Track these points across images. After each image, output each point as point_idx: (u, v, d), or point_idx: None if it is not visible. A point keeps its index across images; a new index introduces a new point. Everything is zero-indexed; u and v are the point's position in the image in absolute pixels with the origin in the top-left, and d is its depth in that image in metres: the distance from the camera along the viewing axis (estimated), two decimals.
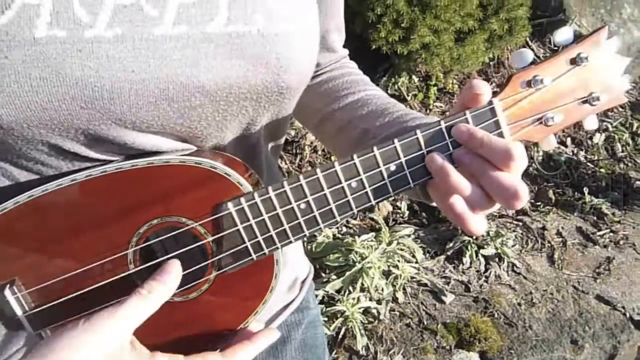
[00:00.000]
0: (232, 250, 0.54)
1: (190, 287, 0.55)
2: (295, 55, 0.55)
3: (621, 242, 1.98)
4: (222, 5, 0.50)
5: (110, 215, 0.51)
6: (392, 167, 0.52)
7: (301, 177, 0.51)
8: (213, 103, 0.53)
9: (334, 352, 1.25)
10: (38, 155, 0.52)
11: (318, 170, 0.51)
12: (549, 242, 1.88)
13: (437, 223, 1.91)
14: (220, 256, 0.54)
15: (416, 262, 1.59)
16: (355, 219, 1.86)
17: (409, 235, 1.72)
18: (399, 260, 1.47)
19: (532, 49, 2.95)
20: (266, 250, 0.54)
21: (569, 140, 2.59)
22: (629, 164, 2.59)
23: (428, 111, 2.44)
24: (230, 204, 0.51)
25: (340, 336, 1.30)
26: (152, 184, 0.52)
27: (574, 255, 1.86)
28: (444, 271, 1.62)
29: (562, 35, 0.50)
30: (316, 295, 1.32)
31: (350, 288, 1.36)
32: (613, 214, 2.15)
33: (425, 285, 1.53)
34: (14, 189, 0.53)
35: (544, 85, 0.50)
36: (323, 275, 1.40)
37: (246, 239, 0.53)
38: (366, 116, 0.68)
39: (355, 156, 0.52)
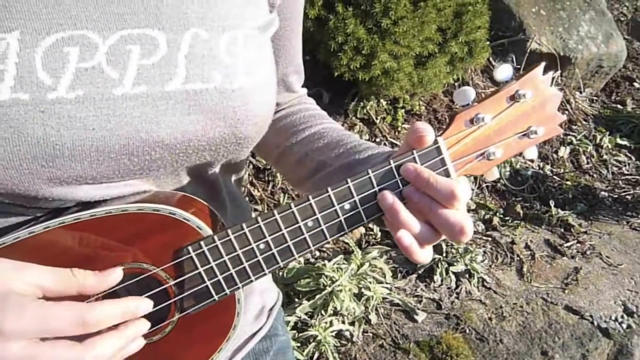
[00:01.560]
0: (193, 292, 0.55)
1: (154, 330, 0.57)
2: (253, 108, 0.57)
3: (588, 252, 2.03)
4: (180, 65, 0.52)
5: (78, 262, 0.53)
6: (346, 205, 0.55)
7: (259, 218, 0.54)
8: (172, 155, 0.55)
9: None
10: None
11: (275, 212, 0.54)
12: (517, 255, 1.92)
13: None
14: (182, 298, 0.55)
15: (387, 283, 1.61)
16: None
17: (380, 256, 1.75)
18: (370, 282, 1.50)
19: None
20: (227, 291, 0.56)
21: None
22: (594, 175, 2.67)
23: (397, 133, 2.50)
24: (190, 248, 0.53)
25: None
26: (113, 232, 0.53)
27: (543, 267, 1.90)
28: (415, 290, 1.65)
29: (502, 73, 0.52)
30: (288, 322, 1.34)
31: (323, 312, 1.38)
32: (580, 225, 2.21)
33: (398, 305, 1.56)
34: None
35: (485, 123, 0.54)
36: (296, 300, 1.42)
37: (207, 281, 0.55)
38: (322, 148, 0.71)
39: (310, 197, 0.54)
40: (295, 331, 1.32)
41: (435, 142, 0.54)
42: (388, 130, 2.48)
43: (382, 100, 2.45)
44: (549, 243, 2.06)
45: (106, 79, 0.50)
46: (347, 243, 1.88)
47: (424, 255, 0.54)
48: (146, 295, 0.55)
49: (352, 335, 1.37)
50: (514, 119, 0.54)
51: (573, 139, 2.84)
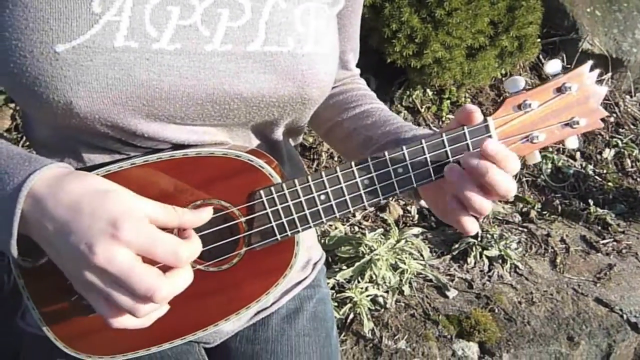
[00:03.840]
0: (260, 230, 0.63)
1: (223, 260, 0.65)
2: (318, 73, 0.64)
3: (624, 251, 2.05)
4: (260, 30, 0.61)
5: (170, 192, 0.61)
6: (399, 169, 0.62)
7: (323, 173, 0.62)
8: (247, 107, 0.64)
9: (342, 335, 1.36)
10: (103, 142, 0.64)
11: (338, 168, 0.62)
12: (552, 247, 1.96)
13: (444, 226, 2.01)
14: (250, 234, 0.64)
15: (423, 260, 1.69)
16: (367, 220, 1.97)
17: (417, 236, 1.83)
18: (406, 257, 1.58)
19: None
20: (289, 232, 0.64)
21: (578, 155, 2.67)
22: (638, 179, 2.65)
23: (440, 122, 2.55)
24: (262, 192, 0.62)
25: (348, 321, 1.41)
26: (200, 171, 0.61)
27: (576, 260, 1.94)
28: (449, 269, 1.72)
29: (552, 67, 0.59)
30: (328, 283, 1.44)
31: (360, 278, 1.47)
32: (618, 224, 2.22)
33: (431, 280, 1.63)
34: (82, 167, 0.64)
35: (532, 109, 0.59)
36: (335, 266, 1.52)
37: (272, 221, 0.63)
38: (370, 125, 0.76)
39: (369, 158, 0.61)
40: (333, 292, 1.42)
41: (485, 120, 0.60)
42: (432, 119, 2.54)
43: (428, 90, 2.51)
44: (584, 239, 2.09)
45: (200, 36, 0.59)
46: (385, 222, 1.97)
47: (474, 223, 0.61)
48: (220, 227, 0.63)
49: (385, 302, 1.46)
50: (559, 109, 0.59)
51: (619, 141, 2.82)
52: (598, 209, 2.25)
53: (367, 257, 1.45)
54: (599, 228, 2.17)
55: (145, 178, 0.60)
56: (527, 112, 0.59)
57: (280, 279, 0.70)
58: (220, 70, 0.60)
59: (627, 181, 2.63)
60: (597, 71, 0.60)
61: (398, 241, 1.66)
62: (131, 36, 0.56)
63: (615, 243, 2.08)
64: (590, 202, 2.27)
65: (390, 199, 1.92)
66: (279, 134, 0.73)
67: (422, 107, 2.52)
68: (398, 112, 2.52)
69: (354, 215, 1.96)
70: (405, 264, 1.55)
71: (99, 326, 0.60)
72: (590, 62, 0.60)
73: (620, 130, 2.93)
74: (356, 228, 1.87)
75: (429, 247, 1.81)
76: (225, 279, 0.67)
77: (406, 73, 2.42)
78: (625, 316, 1.71)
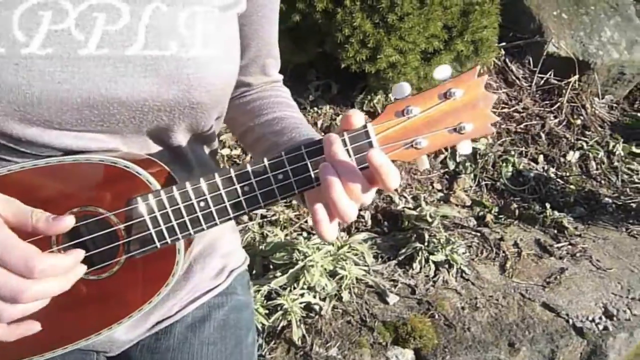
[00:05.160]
0: (139, 237, 0.62)
1: (103, 267, 0.64)
2: (205, 76, 0.63)
3: (578, 255, 2.03)
4: (140, 33, 0.60)
5: (52, 198, 0.61)
6: (280, 175, 0.61)
7: (202, 179, 0.61)
8: (129, 112, 0.63)
9: (272, 343, 1.35)
10: None
11: (216, 175, 0.61)
12: (503, 252, 1.95)
13: (396, 232, 2.00)
14: (129, 242, 0.63)
15: (366, 265, 1.68)
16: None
17: (366, 241, 1.82)
18: (346, 263, 1.56)
19: (512, 70, 3.04)
20: (169, 240, 0.63)
21: (541, 158, 2.66)
22: (602, 182, 2.64)
23: None
24: (139, 199, 0.61)
25: (279, 329, 1.39)
26: (76, 178, 0.61)
27: (527, 265, 1.93)
28: (393, 275, 1.71)
29: (441, 72, 0.58)
30: (259, 291, 1.43)
31: (295, 285, 1.46)
32: (575, 228, 2.21)
33: (372, 286, 1.62)
34: None
35: (414, 115, 0.58)
36: (270, 273, 1.51)
37: (151, 229, 0.62)
38: (278, 132, 0.77)
39: (248, 165, 0.61)
40: (264, 299, 1.41)
41: (364, 126, 0.59)
42: None
43: (389, 95, 2.50)
44: (538, 243, 2.08)
45: (73, 40, 0.59)
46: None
47: (332, 231, 0.59)
48: (98, 234, 0.62)
49: (321, 309, 1.44)
50: (444, 114, 0.59)
51: (584, 144, 2.81)
52: (555, 212, 2.24)
53: (301, 264, 1.43)
54: (555, 231, 2.16)
55: (30, 183, 0.61)
56: (409, 118, 0.59)
57: (162, 288, 0.69)
58: (96, 74, 0.60)
59: (591, 183, 2.62)
60: (485, 77, 0.59)
61: (342, 246, 1.64)
62: None
63: (570, 247, 2.07)
64: (547, 205, 2.26)
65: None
66: (178, 140, 0.72)
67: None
68: None
69: (306, 221, 1.95)
70: (345, 269, 1.54)
71: None
72: (478, 67, 0.60)
73: (587, 132, 2.93)
74: (305, 234, 1.86)
75: (376, 252, 1.80)
76: (106, 287, 0.66)
77: (367, 78, 2.42)
78: (571, 321, 1.70)
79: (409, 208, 2.12)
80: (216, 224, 0.64)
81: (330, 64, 2.38)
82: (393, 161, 0.59)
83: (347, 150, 0.60)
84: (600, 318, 1.74)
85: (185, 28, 0.63)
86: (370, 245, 1.82)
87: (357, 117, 0.59)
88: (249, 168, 0.61)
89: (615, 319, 1.75)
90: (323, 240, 0.62)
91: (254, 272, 1.50)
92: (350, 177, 0.56)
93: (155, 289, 0.68)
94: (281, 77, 0.91)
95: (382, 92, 2.51)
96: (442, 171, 2.47)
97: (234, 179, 0.61)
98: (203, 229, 0.64)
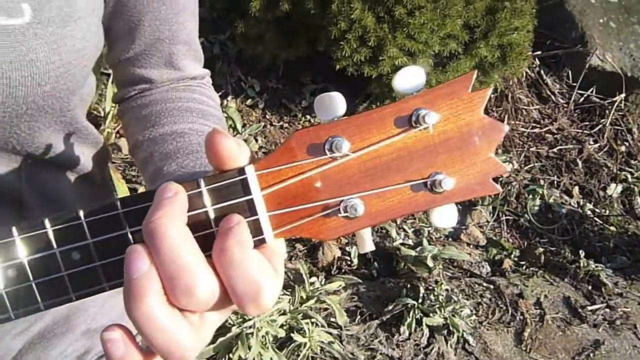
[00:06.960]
0: None
1: None
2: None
3: (618, 322, 1.63)
4: None
5: None
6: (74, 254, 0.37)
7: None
8: None
9: None
10: None
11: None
12: (521, 313, 1.55)
13: (388, 277, 1.62)
14: None
15: (336, 327, 1.31)
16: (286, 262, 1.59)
17: (344, 289, 1.45)
18: (307, 324, 1.19)
19: (547, 84, 2.63)
20: None
21: (576, 190, 2.25)
22: None
23: None
24: None
25: None
26: None
27: (551, 334, 1.52)
28: (372, 341, 1.33)
29: (405, 78, 0.33)
30: None
31: (229, 356, 1.09)
32: (615, 283, 1.79)
33: (337, 359, 1.23)
34: None
35: (347, 155, 0.33)
36: None
37: None
38: (168, 154, 0.63)
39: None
40: None
41: (242, 171, 0.34)
42: None
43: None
44: (567, 302, 1.67)
45: None
46: (316, 263, 1.58)
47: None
48: None
49: None
50: (405, 155, 0.34)
51: (629, 175, 2.39)
52: (591, 261, 1.82)
53: (236, 330, 1.06)
54: (590, 288, 1.75)
55: None
56: (336, 160, 0.34)
57: None
58: None
59: (635, 225, 2.20)
60: (487, 92, 0.34)
61: (306, 299, 1.27)
62: None
63: (607, 310, 1.66)
64: (581, 253, 1.84)
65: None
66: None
67: None
68: None
69: None
70: (304, 335, 1.16)
71: None
72: (473, 72, 0.35)
73: (632, 162, 2.51)
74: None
75: (355, 306, 1.42)
76: None
77: (371, 84, 2.06)
78: None
79: (408, 245, 1.74)
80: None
81: (329, 64, 2.05)
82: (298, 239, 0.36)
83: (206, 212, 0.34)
84: None
85: None
86: (350, 296, 1.45)
87: (231, 144, 0.35)
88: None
89: None
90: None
91: None
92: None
93: None
94: (205, 72, 0.75)
95: (391, 100, 2.14)
96: None
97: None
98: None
